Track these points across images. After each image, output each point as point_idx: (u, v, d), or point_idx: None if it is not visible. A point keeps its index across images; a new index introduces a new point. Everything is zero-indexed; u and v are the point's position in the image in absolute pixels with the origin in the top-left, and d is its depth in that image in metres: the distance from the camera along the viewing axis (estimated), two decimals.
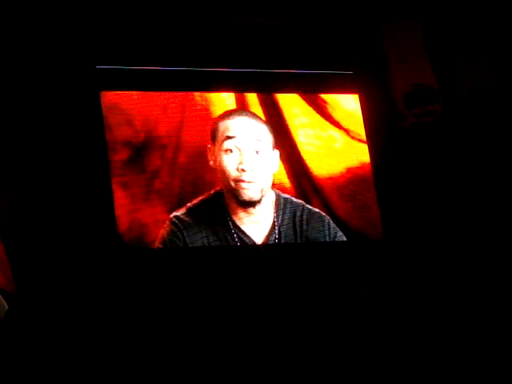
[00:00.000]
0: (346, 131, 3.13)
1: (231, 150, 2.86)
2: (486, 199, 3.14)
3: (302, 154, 3.04)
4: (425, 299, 2.93)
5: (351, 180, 3.08)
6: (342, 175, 3.07)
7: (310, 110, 3.10)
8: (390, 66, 3.22)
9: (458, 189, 3.15)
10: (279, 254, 2.89)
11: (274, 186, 2.94)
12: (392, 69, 3.21)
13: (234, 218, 2.86)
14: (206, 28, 3.02)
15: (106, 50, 2.87)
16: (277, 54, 3.10)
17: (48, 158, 2.69)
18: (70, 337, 2.50)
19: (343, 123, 3.13)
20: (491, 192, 3.15)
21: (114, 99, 2.83)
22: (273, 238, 2.89)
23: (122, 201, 2.74)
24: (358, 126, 3.14)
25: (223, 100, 2.98)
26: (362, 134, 3.13)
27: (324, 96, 3.13)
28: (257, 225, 2.88)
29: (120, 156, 2.78)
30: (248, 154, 2.87)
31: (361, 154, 3.12)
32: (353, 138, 3.13)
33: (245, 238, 2.85)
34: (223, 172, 2.85)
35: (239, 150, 2.86)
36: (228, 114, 2.94)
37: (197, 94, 2.95)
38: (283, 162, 2.98)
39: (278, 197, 2.94)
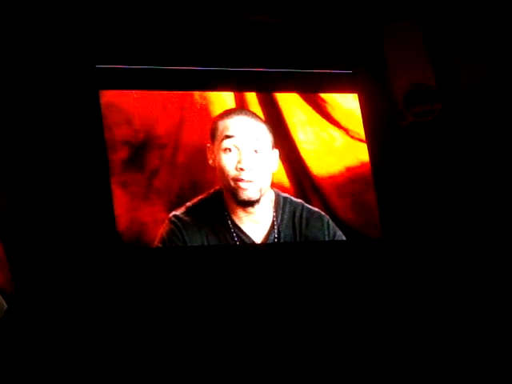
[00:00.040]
0: (346, 130, 3.13)
1: (230, 150, 2.86)
2: (486, 198, 3.14)
3: (302, 154, 3.04)
4: (424, 298, 2.93)
5: (350, 179, 3.08)
6: (341, 174, 3.07)
7: (310, 109, 3.10)
8: (389, 66, 3.22)
9: (457, 188, 3.15)
10: (278, 254, 2.89)
11: (273, 185, 2.94)
12: (391, 68, 3.21)
13: (234, 217, 2.86)
14: (205, 27, 3.02)
15: (106, 49, 2.87)
16: (276, 53, 3.10)
17: (47, 157, 2.69)
18: (69, 336, 2.50)
19: (342, 122, 3.13)
20: (491, 191, 3.15)
21: (113, 98, 2.83)
22: (272, 238, 2.89)
23: (121, 200, 2.74)
24: (358, 125, 3.14)
25: (222, 99, 2.98)
26: (362, 133, 3.13)
27: (323, 95, 3.13)
28: (256, 224, 2.88)
29: (119, 155, 2.78)
30: (247, 154, 2.87)
31: (360, 154, 3.12)
32: (352, 137, 3.13)
33: (244, 238, 2.85)
34: (222, 171, 2.85)
35: (238, 149, 2.86)
36: (227, 114, 2.94)
37: (196, 93, 2.95)
38: (282, 161, 2.98)
39: (277, 196, 2.94)
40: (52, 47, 2.79)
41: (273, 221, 2.90)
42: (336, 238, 2.97)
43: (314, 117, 3.10)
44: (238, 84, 3.02)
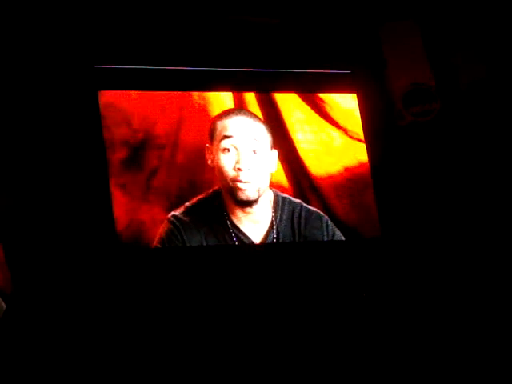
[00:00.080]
0: (344, 130, 3.13)
1: (228, 150, 2.86)
2: (485, 197, 3.14)
3: (300, 154, 3.04)
4: (423, 298, 2.93)
5: (349, 179, 3.08)
6: (340, 174, 3.07)
7: (308, 109, 3.10)
8: (388, 65, 3.22)
9: (456, 187, 3.15)
10: (277, 254, 2.89)
11: (272, 185, 2.94)
12: (390, 68, 3.21)
13: (232, 217, 2.86)
14: (204, 27, 3.03)
15: (104, 49, 2.87)
16: (275, 53, 3.10)
17: (46, 158, 2.69)
18: (68, 335, 2.50)
19: (341, 122, 3.13)
20: (490, 191, 3.15)
21: (112, 98, 2.83)
22: (271, 238, 2.89)
23: (120, 200, 2.74)
24: (356, 125, 3.14)
25: (221, 99, 2.98)
26: (360, 133, 3.13)
27: (322, 95, 3.13)
28: (255, 224, 2.88)
29: (118, 155, 2.78)
30: (245, 154, 2.87)
31: (359, 153, 3.12)
32: (351, 137, 3.13)
33: (243, 238, 2.85)
34: (221, 171, 2.85)
35: (237, 149, 2.86)
36: (226, 114, 2.94)
37: (195, 93, 2.95)
38: (281, 161, 2.98)
39: (276, 196, 2.94)
40: (51, 47, 2.79)
41: (272, 221, 2.90)
42: (335, 238, 2.96)
43: (312, 117, 3.10)
44: (236, 84, 3.02)
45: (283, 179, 2.99)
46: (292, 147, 3.04)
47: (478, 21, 3.29)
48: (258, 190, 2.88)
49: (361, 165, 3.11)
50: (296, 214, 2.93)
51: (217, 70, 3.01)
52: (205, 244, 2.79)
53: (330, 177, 3.06)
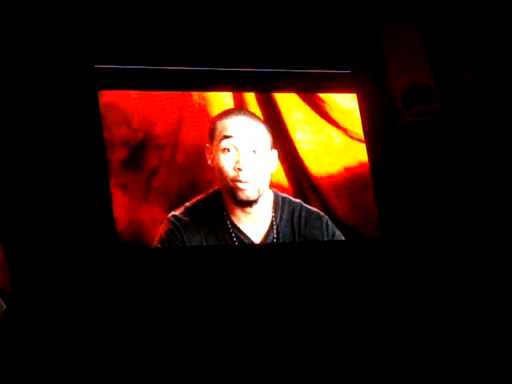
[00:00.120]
0: (344, 130, 3.13)
1: (228, 150, 2.86)
2: (485, 198, 3.14)
3: (300, 154, 3.04)
4: (422, 298, 2.93)
5: (349, 179, 3.08)
6: (340, 174, 3.07)
7: (308, 109, 3.10)
8: (388, 65, 3.22)
9: (455, 187, 3.15)
10: (277, 254, 2.89)
11: (272, 185, 2.94)
12: (390, 68, 3.21)
13: (232, 217, 2.86)
14: (204, 27, 3.02)
15: (104, 49, 2.87)
16: (275, 53, 3.10)
17: (46, 158, 2.69)
18: (68, 336, 2.50)
19: (341, 122, 3.13)
20: (490, 191, 3.15)
21: (112, 98, 2.83)
22: (271, 238, 2.89)
23: (120, 200, 2.74)
24: (356, 125, 3.14)
25: (221, 99, 2.98)
26: (360, 133, 3.13)
27: (322, 95, 3.13)
28: (255, 224, 2.88)
29: (118, 155, 2.78)
30: (245, 154, 2.87)
31: (359, 153, 3.12)
32: (351, 137, 3.13)
33: (243, 238, 2.85)
34: (221, 171, 2.85)
35: (237, 149, 2.86)
36: (226, 114, 2.94)
37: (195, 93, 2.95)
38: (281, 161, 2.98)
39: (276, 196, 2.94)
40: (50, 47, 2.79)
41: (272, 221, 2.90)
42: (335, 238, 2.97)
43: (312, 117, 3.10)
44: (236, 84, 3.02)
45: (283, 179, 2.99)
46: (292, 147, 3.03)
47: (477, 21, 3.29)
48: (258, 190, 2.88)
49: (361, 165, 3.11)
50: (296, 214, 2.93)
51: (217, 70, 3.01)
52: (205, 244, 2.79)
53: (330, 177, 3.06)
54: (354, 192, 3.07)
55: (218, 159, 2.86)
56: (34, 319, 2.49)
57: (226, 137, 2.87)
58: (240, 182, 2.84)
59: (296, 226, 2.92)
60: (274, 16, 3.13)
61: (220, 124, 2.90)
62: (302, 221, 2.93)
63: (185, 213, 2.79)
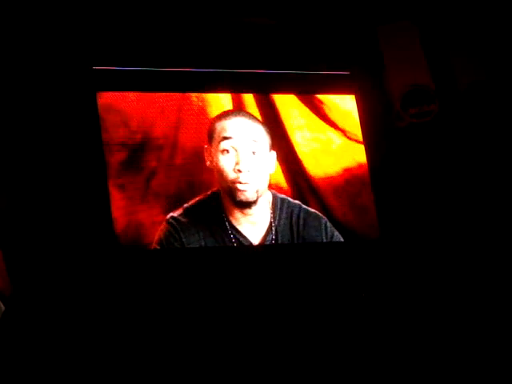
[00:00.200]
0: (343, 132, 3.13)
1: (228, 151, 2.86)
2: (484, 198, 3.14)
3: (299, 155, 3.04)
4: (421, 299, 2.92)
5: (348, 180, 3.08)
6: (338, 175, 3.07)
7: (307, 110, 3.10)
8: (386, 67, 3.22)
9: (454, 188, 3.15)
10: (276, 255, 2.89)
11: (270, 186, 2.94)
12: (388, 69, 3.21)
13: (231, 218, 2.86)
14: (202, 29, 3.03)
15: (103, 50, 2.87)
16: (273, 54, 3.10)
17: (44, 159, 2.69)
18: (67, 337, 2.50)
19: (340, 124, 3.13)
20: (489, 191, 3.15)
21: (111, 100, 2.83)
22: (270, 239, 2.89)
23: (118, 202, 2.74)
24: (355, 126, 3.14)
25: (220, 101, 2.98)
26: (359, 134, 3.14)
27: (321, 96, 3.13)
28: (253, 225, 2.88)
29: (116, 157, 2.78)
30: (244, 155, 2.87)
31: (357, 155, 3.12)
32: (349, 138, 3.13)
33: (241, 239, 2.85)
34: (220, 173, 2.85)
35: (236, 150, 2.86)
36: (225, 115, 2.94)
37: (193, 94, 2.95)
38: (280, 162, 2.98)
39: (274, 197, 2.94)
40: (49, 49, 2.79)
41: (270, 222, 2.90)
42: (333, 239, 2.97)
43: (311, 118, 3.10)
44: (235, 85, 3.02)
45: (282, 180, 2.99)
46: (291, 148, 3.04)
47: (476, 22, 3.29)
48: (257, 192, 2.88)
49: (359, 166, 3.11)
50: (295, 215, 2.93)
51: (215, 71, 3.01)
52: (203, 245, 2.79)
53: (329, 178, 3.06)
54: (352, 193, 3.07)
55: (217, 160, 2.86)
56: (33, 320, 2.49)
57: (225, 138, 2.87)
58: (240, 183, 2.84)
59: (295, 227, 2.92)
60: (272, 17, 3.13)
61: (219, 125, 2.90)
62: (301, 222, 2.93)
63: (183, 214, 2.79)
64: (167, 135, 2.87)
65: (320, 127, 3.10)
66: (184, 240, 2.77)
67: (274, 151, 2.96)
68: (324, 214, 2.99)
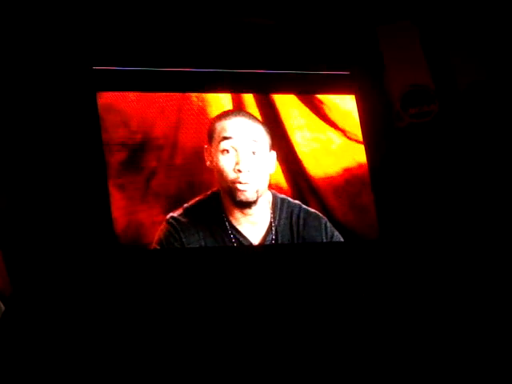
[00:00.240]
0: (343, 132, 3.13)
1: (228, 151, 2.86)
2: (484, 199, 3.14)
3: (299, 155, 3.04)
4: (421, 299, 2.92)
5: (348, 180, 3.08)
6: (338, 176, 3.07)
7: (307, 110, 3.10)
8: (386, 67, 3.22)
9: (454, 189, 3.15)
10: (276, 255, 2.89)
11: (270, 186, 2.94)
12: (388, 69, 3.21)
13: (231, 218, 2.86)
14: (202, 29, 3.03)
15: (103, 50, 2.87)
16: (273, 54, 3.10)
17: (44, 159, 2.69)
18: (67, 337, 2.50)
19: (340, 124, 3.13)
20: (489, 192, 3.15)
21: (111, 100, 2.83)
22: (270, 239, 2.89)
23: (118, 202, 2.74)
24: (355, 126, 3.14)
25: (220, 101, 2.98)
26: (359, 134, 3.13)
27: (321, 96, 3.13)
28: (253, 225, 2.88)
29: (116, 157, 2.78)
30: (244, 155, 2.87)
31: (357, 155, 3.12)
32: (349, 138, 3.13)
33: (241, 239, 2.85)
34: (220, 173, 2.85)
35: (236, 150, 2.86)
36: (225, 115, 2.94)
37: (193, 94, 2.95)
38: (280, 162, 2.98)
39: (274, 197, 2.94)
40: (49, 49, 2.79)
41: (270, 222, 2.90)
42: (333, 240, 2.97)
43: (311, 118, 3.10)
44: (235, 85, 3.02)
45: (282, 180, 2.99)
46: (290, 148, 3.04)
47: (476, 22, 3.29)
48: (257, 192, 2.88)
49: (359, 166, 3.11)
50: (295, 215, 2.93)
51: (215, 71, 3.01)
52: (203, 245, 2.79)
53: (329, 178, 3.06)
54: (352, 193, 3.07)
55: (218, 160, 2.86)
56: (33, 320, 2.49)
57: (226, 138, 2.87)
58: (240, 183, 2.84)
59: (295, 227, 2.92)
60: (272, 17, 3.13)
61: (219, 125, 2.90)
62: (301, 222, 2.93)
63: (183, 214, 2.79)
64: (167, 135, 2.87)
65: (320, 127, 3.11)
66: (184, 240, 2.77)
67: (273, 151, 2.96)
68: (324, 214, 2.98)
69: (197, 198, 2.84)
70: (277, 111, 3.05)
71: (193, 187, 2.85)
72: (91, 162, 2.74)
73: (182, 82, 2.95)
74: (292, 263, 2.88)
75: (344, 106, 3.16)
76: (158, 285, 2.68)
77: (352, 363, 2.73)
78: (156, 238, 2.75)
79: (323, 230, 2.95)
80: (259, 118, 2.99)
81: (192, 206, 2.82)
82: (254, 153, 2.89)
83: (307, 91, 3.12)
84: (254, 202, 2.88)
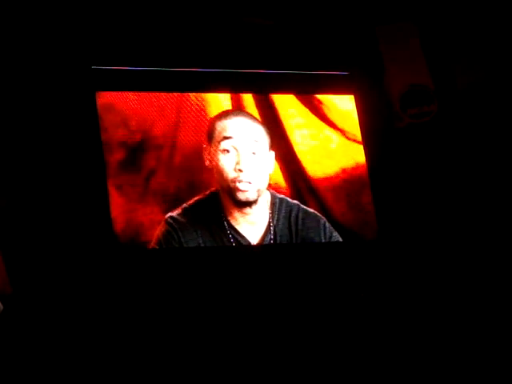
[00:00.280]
0: (342, 132, 3.13)
1: (228, 151, 2.86)
2: (483, 199, 3.14)
3: (298, 155, 3.04)
4: (420, 299, 2.93)
5: (347, 180, 3.08)
6: (337, 176, 3.07)
7: (306, 110, 3.10)
8: (385, 67, 3.22)
9: (453, 189, 3.15)
10: (275, 255, 2.89)
11: (269, 186, 2.94)
12: (388, 69, 3.21)
13: (230, 218, 2.86)
14: (201, 29, 3.02)
15: (102, 50, 2.87)
16: (272, 54, 3.10)
17: (43, 159, 2.69)
18: (66, 336, 2.50)
19: (339, 124, 3.13)
20: (488, 192, 3.15)
21: (110, 100, 2.83)
22: (268, 239, 2.89)
23: (117, 201, 2.74)
24: (354, 126, 3.14)
25: (219, 101, 2.98)
26: (358, 134, 3.14)
27: (320, 97, 3.13)
28: (252, 225, 2.88)
29: (116, 157, 2.78)
30: (245, 155, 2.87)
31: (356, 155, 3.12)
32: (348, 138, 3.13)
33: (240, 239, 2.85)
34: (220, 172, 2.86)
35: (236, 150, 2.87)
36: (225, 114, 2.94)
37: (193, 94, 2.95)
38: (279, 162, 2.98)
39: (273, 197, 2.94)
40: (48, 48, 2.79)
41: (269, 222, 2.91)
42: (332, 240, 2.97)
43: (310, 118, 3.10)
44: (234, 85, 3.02)
45: (281, 180, 2.99)
46: (290, 148, 3.04)
47: (476, 23, 3.29)
48: (258, 191, 2.88)
49: (358, 166, 3.11)
50: (293, 215, 2.94)
51: (215, 71, 3.01)
52: (202, 245, 2.79)
53: (328, 178, 3.06)
54: (351, 193, 3.07)
55: (217, 160, 2.86)
56: (33, 321, 2.50)
57: (226, 138, 2.87)
58: (241, 182, 2.84)
59: (293, 227, 2.93)
60: (271, 17, 3.13)
61: (219, 125, 2.90)
62: (300, 222, 2.93)
63: (182, 214, 2.80)
64: (166, 135, 2.87)
65: (319, 127, 3.11)
66: (182, 240, 2.77)
67: (272, 151, 2.96)
68: (323, 214, 2.99)
69: (196, 198, 2.84)
70: (276, 111, 3.05)
71: (192, 187, 2.86)
72: (90, 162, 2.74)
73: (182, 82, 2.95)
74: (290, 263, 2.88)
75: (343, 106, 3.16)
76: (157, 284, 2.68)
77: (351, 363, 2.73)
78: (155, 237, 2.75)
79: (322, 230, 2.96)
80: (258, 117, 2.99)
81: (191, 206, 2.82)
82: (254, 153, 2.89)
83: (306, 91, 3.12)
84: (254, 202, 2.88)
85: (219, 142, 2.87)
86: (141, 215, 2.75)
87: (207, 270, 2.75)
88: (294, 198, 2.97)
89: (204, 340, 2.63)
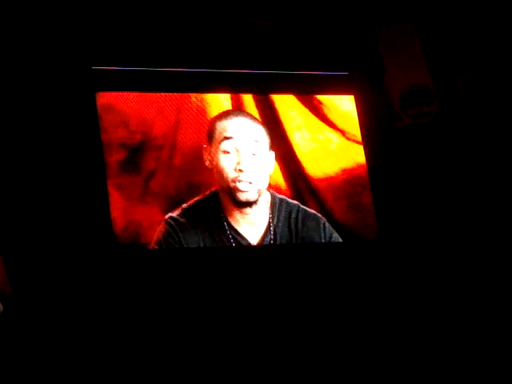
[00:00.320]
0: (342, 132, 3.13)
1: (228, 151, 2.86)
2: (483, 200, 3.14)
3: (298, 155, 3.04)
4: (420, 300, 2.93)
5: (347, 181, 3.08)
6: (337, 176, 3.07)
7: (306, 111, 3.10)
8: (385, 67, 3.22)
9: (453, 190, 3.15)
10: (274, 255, 2.89)
11: (269, 186, 2.94)
12: (388, 70, 3.21)
13: (230, 218, 2.86)
14: (201, 29, 3.03)
15: (102, 50, 2.87)
16: (272, 55, 3.10)
17: (43, 159, 2.69)
18: (66, 337, 2.50)
19: (339, 124, 3.13)
20: (488, 193, 3.15)
21: (110, 100, 2.83)
22: (268, 239, 2.89)
23: (117, 202, 2.74)
24: (354, 126, 3.14)
25: (219, 101, 2.98)
26: (358, 134, 3.13)
27: (319, 97, 3.13)
28: (252, 226, 2.88)
29: (116, 157, 2.78)
30: (246, 155, 2.87)
31: (356, 155, 3.12)
32: (348, 138, 3.13)
33: (240, 239, 2.85)
34: (221, 173, 2.85)
35: (237, 150, 2.87)
36: (225, 115, 2.94)
37: (193, 94, 2.95)
38: (279, 162, 2.98)
39: (273, 197, 2.94)
40: (49, 49, 2.79)
41: (269, 222, 2.91)
42: (332, 240, 2.97)
43: (310, 118, 3.10)
44: (234, 85, 3.02)
45: (281, 181, 2.99)
46: (290, 149, 3.04)
47: (476, 23, 3.29)
48: (258, 191, 2.88)
49: (358, 166, 3.11)
50: (293, 216, 2.93)
51: (215, 71, 3.01)
52: (202, 245, 2.79)
53: (328, 178, 3.06)
54: (351, 194, 3.07)
55: (218, 160, 2.86)
56: (33, 321, 2.50)
57: (227, 138, 2.87)
58: (241, 182, 2.84)
59: (293, 227, 2.93)
60: (271, 17, 3.13)
61: (220, 125, 2.90)
62: (300, 222, 2.93)
63: (182, 214, 2.80)
64: (166, 135, 2.87)
65: (319, 127, 3.11)
66: (182, 240, 2.77)
67: (272, 151, 2.96)
68: (323, 215, 2.99)
69: (195, 198, 2.84)
70: (276, 111, 3.05)
71: (192, 187, 2.86)
72: (90, 162, 2.74)
73: (181, 82, 2.95)
74: (290, 263, 2.88)
75: (343, 106, 3.16)
76: (157, 285, 2.69)
77: (351, 363, 2.73)
78: (155, 238, 2.75)
79: (322, 231, 2.95)
80: (258, 118, 2.99)
81: (191, 206, 2.82)
82: (254, 153, 2.89)
83: (306, 91, 3.12)
84: (254, 202, 2.88)
85: (219, 143, 2.87)
86: (141, 216, 2.76)
87: (207, 270, 2.75)
88: (294, 199, 2.97)
89: (204, 340, 2.63)
